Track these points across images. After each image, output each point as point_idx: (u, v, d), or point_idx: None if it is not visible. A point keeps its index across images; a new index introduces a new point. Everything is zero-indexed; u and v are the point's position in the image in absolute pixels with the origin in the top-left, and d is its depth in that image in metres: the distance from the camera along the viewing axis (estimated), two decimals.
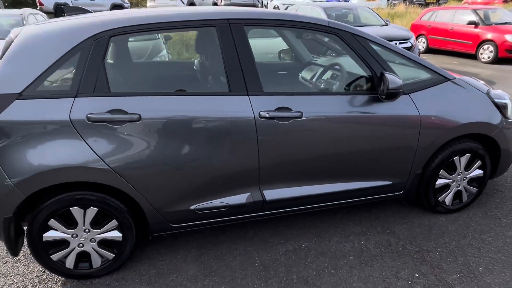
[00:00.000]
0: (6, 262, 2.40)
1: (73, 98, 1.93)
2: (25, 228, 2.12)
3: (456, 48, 10.28)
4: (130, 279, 2.22)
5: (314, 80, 2.96)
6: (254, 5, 15.22)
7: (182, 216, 2.23)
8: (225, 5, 15.24)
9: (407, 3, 18.91)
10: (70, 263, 2.15)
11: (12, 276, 2.27)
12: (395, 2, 19.81)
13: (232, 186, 2.23)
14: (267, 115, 2.13)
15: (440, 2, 18.66)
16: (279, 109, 2.16)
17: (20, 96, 1.88)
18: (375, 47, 2.37)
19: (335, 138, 2.29)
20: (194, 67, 2.47)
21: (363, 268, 2.27)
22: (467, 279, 2.15)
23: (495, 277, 2.16)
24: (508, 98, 2.73)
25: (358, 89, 2.39)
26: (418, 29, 11.49)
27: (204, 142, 2.09)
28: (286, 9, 26.53)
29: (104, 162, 1.96)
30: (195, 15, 2.12)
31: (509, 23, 9.62)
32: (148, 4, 14.85)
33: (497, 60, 9.23)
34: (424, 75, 2.52)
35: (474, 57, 9.82)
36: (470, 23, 9.80)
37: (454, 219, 2.74)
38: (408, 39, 7.47)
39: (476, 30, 9.67)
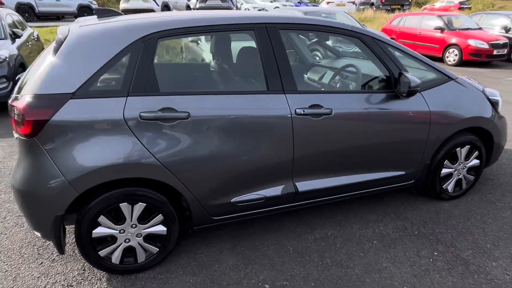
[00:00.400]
0: (42, 263, 2.40)
1: (125, 97, 2.01)
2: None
3: (424, 52, 10.97)
4: (174, 271, 2.31)
5: (324, 80, 3.17)
6: (229, 8, 15.36)
7: (223, 209, 2.34)
8: (200, 8, 15.29)
9: (374, 8, 19.87)
10: (116, 258, 2.21)
11: (53, 276, 2.28)
12: (361, 7, 20.73)
13: (269, 178, 2.38)
14: (302, 112, 2.31)
15: (404, 8, 19.77)
16: (312, 106, 2.34)
17: (73, 95, 1.94)
18: (391, 49, 2.62)
19: (359, 132, 2.51)
20: (234, 68, 2.60)
21: (388, 250, 2.49)
22: (478, 254, 2.44)
23: (502, 251, 2.47)
24: (499, 96, 3.08)
25: (377, 87, 2.62)
26: (388, 34, 12.13)
27: (246, 138, 2.23)
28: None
29: (156, 158, 2.05)
30: (236, 19, 2.26)
31: (470, 29, 10.43)
32: (121, 6, 14.57)
33: (462, 62, 9.98)
34: (431, 75, 2.80)
35: (441, 60, 10.54)
36: (437, 28, 10.53)
37: (456, 204, 3.05)
38: None
39: (442, 35, 10.41)
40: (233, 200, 2.33)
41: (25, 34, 7.10)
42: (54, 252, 2.50)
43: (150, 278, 2.26)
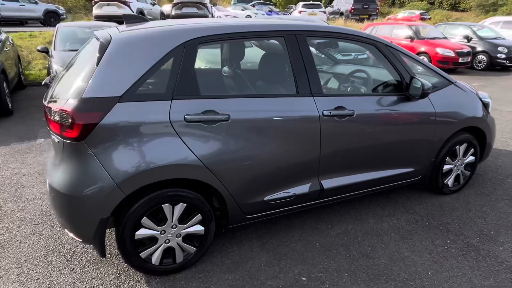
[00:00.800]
0: (73, 269, 2.38)
1: (170, 101, 2.07)
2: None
3: None
4: (210, 270, 2.37)
5: (332, 85, 3.36)
6: (205, 16, 15.43)
7: (256, 208, 2.44)
8: (175, 15, 15.24)
9: (344, 18, 20.68)
10: (156, 259, 2.24)
11: (89, 281, 2.27)
12: (331, 16, 21.50)
13: (298, 177, 2.51)
14: (329, 114, 2.46)
15: (372, 18, 20.74)
16: (337, 108, 2.51)
17: (120, 99, 1.98)
18: (401, 55, 2.85)
19: (376, 132, 2.70)
20: (265, 72, 2.71)
21: (406, 241, 2.69)
22: (486, 240, 2.69)
23: (505, 237, 2.73)
24: (489, 98, 3.40)
25: (390, 91, 2.84)
26: None
27: (279, 138, 2.35)
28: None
29: (199, 159, 2.12)
30: (268, 27, 2.39)
31: (437, 38, 11.17)
32: (94, 12, 14.22)
33: None
34: (434, 79, 3.06)
35: None
36: (407, 37, 11.18)
37: (455, 198, 3.32)
38: (365, 51, 8.34)
39: (412, 43, 11.06)
40: (266, 198, 2.44)
41: (1, 39, 6.83)
42: (83, 258, 2.48)
43: (189, 277, 2.30)
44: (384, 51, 2.77)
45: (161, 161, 2.03)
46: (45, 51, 6.79)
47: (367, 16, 20.57)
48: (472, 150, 3.31)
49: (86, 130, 1.92)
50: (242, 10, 28.73)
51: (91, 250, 2.57)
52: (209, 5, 16.30)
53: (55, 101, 2.07)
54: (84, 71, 2.04)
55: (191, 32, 2.18)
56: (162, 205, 2.14)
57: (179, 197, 2.16)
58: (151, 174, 2.02)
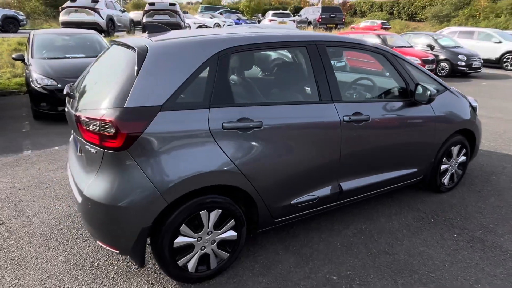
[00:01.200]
0: (102, 282, 2.33)
1: (207, 109, 2.11)
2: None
3: (367, 67, 12.12)
4: (243, 274, 2.41)
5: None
6: (178, 23, 15.33)
7: (284, 211, 2.52)
8: (147, 22, 15.00)
9: (312, 26, 21.34)
10: (192, 267, 2.25)
11: None
12: (299, 25, 22.10)
13: (321, 180, 2.62)
14: (349, 119, 2.60)
15: (338, 27, 21.57)
16: (355, 113, 2.65)
17: (162, 108, 2.00)
18: (405, 64, 3.06)
19: (387, 135, 2.88)
20: (290, 80, 2.80)
21: (418, 236, 2.87)
22: (487, 232, 2.93)
23: (503, 228, 2.99)
24: (476, 102, 3.71)
25: (396, 97, 3.03)
26: None
27: (305, 143, 2.45)
28: (226, 26, 26.80)
29: (235, 165, 2.17)
30: (293, 37, 2.51)
31: (404, 47, 11.84)
32: (61, 18, 13.69)
33: None
34: (432, 85, 3.30)
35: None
36: None
37: (451, 195, 3.58)
38: (342, 60, 8.69)
39: None
40: (293, 201, 2.52)
41: None
42: (109, 270, 2.43)
43: (223, 283, 2.33)
44: (392, 60, 2.96)
45: (202, 169, 2.07)
46: (21, 59, 6.49)
47: (334, 25, 21.38)
48: (464, 151, 3.59)
49: (130, 139, 1.92)
50: (211, 18, 28.81)
51: (116, 262, 2.52)
52: (181, 12, 16.23)
53: (87, 111, 2.05)
54: (118, 80, 2.04)
55: (225, 42, 2.24)
56: (200, 212, 2.16)
57: (215, 204, 2.20)
58: (193, 181, 2.05)
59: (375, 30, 26.57)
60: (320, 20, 21.35)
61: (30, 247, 2.69)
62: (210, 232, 2.25)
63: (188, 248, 2.22)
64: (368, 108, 2.76)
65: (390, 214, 3.20)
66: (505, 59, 14.75)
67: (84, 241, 2.76)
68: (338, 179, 2.72)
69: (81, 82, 2.55)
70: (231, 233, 2.34)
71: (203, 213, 2.17)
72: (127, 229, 2.01)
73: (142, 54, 2.05)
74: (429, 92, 2.85)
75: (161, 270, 2.33)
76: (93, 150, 2.04)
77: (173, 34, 2.38)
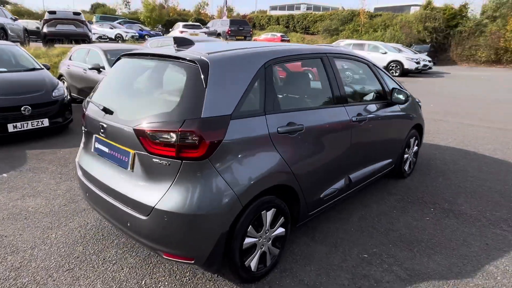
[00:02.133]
0: None
1: (264, 116, 2.29)
2: None
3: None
4: (291, 267, 2.61)
5: None
6: (85, 34, 14.22)
7: (315, 205, 2.80)
8: (49, 32, 13.55)
9: (221, 38, 21.90)
10: (254, 266, 2.37)
11: None
12: (209, 37, 22.50)
13: (340, 173, 2.99)
14: (355, 120, 3.04)
15: (247, 39, 22.58)
16: (358, 114, 3.10)
17: (231, 117, 2.11)
18: (381, 71, 3.64)
19: (377, 131, 3.41)
20: (313, 86, 3.05)
21: (406, 214, 3.45)
22: (451, 203, 3.67)
23: (460, 201, 3.77)
24: (420, 101, 4.56)
25: (379, 99, 3.59)
26: None
27: (330, 142, 2.80)
28: (129, 37, 24.93)
29: (288, 165, 2.39)
30: (313, 50, 2.84)
31: None
32: None
33: None
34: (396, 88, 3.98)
35: None
36: None
37: (411, 180, 4.31)
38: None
39: None
40: (322, 195, 2.82)
41: None
42: (160, 286, 2.38)
43: (279, 277, 2.50)
44: (373, 68, 3.52)
45: (267, 171, 2.23)
46: None
47: (243, 37, 22.35)
48: (416, 142, 4.38)
49: (212, 148, 1.99)
50: (111, 28, 27.23)
51: (162, 278, 2.46)
52: (87, 22, 15.09)
53: (152, 124, 2.04)
54: (186, 93, 2.08)
55: (268, 54, 2.44)
56: (261, 212, 2.31)
57: (271, 203, 2.37)
58: (261, 183, 2.20)
59: (275, 41, 28.50)
60: (229, 32, 22.10)
61: (54, 280, 2.43)
62: (267, 231, 2.41)
63: (251, 249, 2.34)
64: (364, 109, 3.24)
65: (377, 200, 3.74)
66: (390, 67, 17.48)
67: (113, 264, 2.60)
68: (348, 172, 3.12)
69: (108, 97, 2.45)
70: (281, 230, 2.52)
71: (263, 213, 2.32)
72: (208, 236, 2.06)
73: (205, 68, 2.12)
74: (403, 94, 3.47)
75: (221, 275, 2.36)
76: (163, 162, 2.04)
77: (212, 47, 2.47)
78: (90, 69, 7.34)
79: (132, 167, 2.21)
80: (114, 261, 2.65)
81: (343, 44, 18.43)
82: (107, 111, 2.34)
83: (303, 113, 2.58)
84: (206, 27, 23.84)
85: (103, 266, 2.59)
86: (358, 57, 3.40)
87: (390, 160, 3.83)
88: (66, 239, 2.92)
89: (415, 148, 4.39)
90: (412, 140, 4.24)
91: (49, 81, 6.00)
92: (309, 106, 2.74)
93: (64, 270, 2.54)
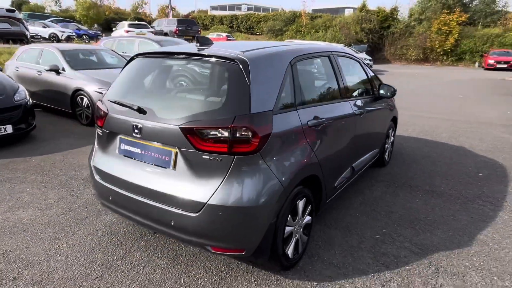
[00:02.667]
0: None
1: (296, 110, 2.43)
2: None
3: None
4: (316, 252, 2.77)
5: None
6: (22, 32, 13.06)
7: (331, 193, 3.00)
8: None
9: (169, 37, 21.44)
10: (291, 254, 2.50)
11: None
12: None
13: (347, 163, 3.23)
14: (357, 113, 3.30)
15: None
16: (359, 108, 3.37)
17: (273, 112, 2.22)
18: (368, 68, 3.96)
19: (370, 123, 3.71)
20: (324, 82, 3.18)
21: (398, 197, 3.80)
22: (431, 185, 4.11)
23: (436, 181, 4.24)
24: None
25: (369, 93, 3.89)
26: None
27: (342, 133, 3.03)
28: (66, 37, 23.20)
29: (316, 157, 2.56)
30: (324, 48, 3.02)
31: None
32: None
33: None
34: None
35: None
36: None
37: (391, 167, 4.72)
38: None
39: None
40: (335, 184, 3.03)
41: None
42: (200, 282, 2.40)
43: (309, 262, 2.65)
44: (363, 66, 3.82)
45: (303, 162, 2.38)
46: None
47: (191, 37, 22.05)
48: (393, 132, 4.81)
49: (263, 142, 2.08)
50: (44, 27, 25.23)
51: (203, 275, 2.49)
52: (24, 21, 13.86)
53: (200, 121, 2.07)
54: (231, 91, 2.15)
55: (293, 53, 2.58)
56: (297, 202, 2.44)
57: (303, 193, 2.51)
58: (300, 174, 2.34)
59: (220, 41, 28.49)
60: (177, 32, 21.65)
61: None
62: (300, 219, 2.54)
63: (289, 237, 2.46)
64: (361, 103, 3.51)
65: (369, 186, 4.06)
66: None
67: (143, 267, 2.56)
68: (352, 161, 3.38)
69: (137, 97, 2.42)
70: (308, 218, 2.68)
71: (297, 202, 2.46)
72: (258, 227, 2.14)
73: (246, 66, 2.19)
74: (392, 89, 3.82)
75: (256, 265, 2.43)
76: (214, 159, 2.08)
77: (235, 45, 2.54)
78: (47, 70, 6.84)
79: (175, 166, 2.21)
80: (143, 264, 2.60)
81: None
82: (141, 111, 2.30)
83: (323, 107, 2.76)
84: (151, 27, 23.12)
85: (133, 270, 2.53)
86: (351, 55, 3.67)
87: (377, 149, 4.17)
88: (81, 248, 2.79)
89: (392, 138, 4.82)
90: (390, 131, 4.64)
91: (8, 84, 5.51)
92: (325, 100, 2.92)
93: (93, 278, 2.44)
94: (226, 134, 2.03)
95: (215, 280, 2.44)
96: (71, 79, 6.66)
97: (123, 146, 2.47)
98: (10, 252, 2.73)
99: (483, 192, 3.97)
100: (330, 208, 3.48)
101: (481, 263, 2.68)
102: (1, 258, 2.64)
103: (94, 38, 24.95)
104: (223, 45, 2.68)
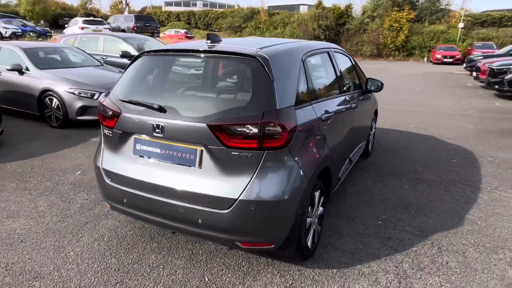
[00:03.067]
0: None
1: (311, 105, 2.51)
2: None
3: None
4: (327, 242, 2.89)
5: None
6: None
7: (335, 183, 3.12)
8: None
9: None
10: (310, 243, 2.59)
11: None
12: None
13: (347, 154, 3.37)
14: (354, 106, 3.45)
15: (154, 36, 21.69)
16: (354, 101, 3.52)
17: (295, 107, 2.28)
18: (357, 65, 4.14)
19: (360, 116, 3.89)
20: (327, 77, 3.24)
21: (388, 185, 4.02)
22: (415, 173, 4.39)
23: (418, 168, 4.54)
24: None
25: (358, 87, 4.06)
26: None
27: (344, 126, 3.18)
28: (11, 34, 21.37)
29: (329, 149, 2.66)
30: (322, 45, 3.13)
31: None
32: None
33: None
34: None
35: None
36: None
37: (375, 157, 4.97)
38: None
39: None
40: (339, 175, 3.16)
41: None
42: (224, 277, 2.42)
43: (324, 251, 2.76)
44: (352, 61, 3.98)
45: (321, 154, 2.47)
46: None
47: (150, 34, 21.40)
48: (374, 125, 5.06)
49: (290, 136, 2.13)
50: None
51: (225, 271, 2.50)
52: None
53: (229, 118, 2.09)
54: (255, 87, 2.18)
55: (303, 49, 2.66)
56: (314, 193, 2.53)
57: (318, 184, 2.61)
58: (319, 165, 2.43)
59: (180, 38, 27.98)
60: (135, 28, 20.89)
61: None
62: (315, 210, 2.64)
63: (309, 228, 2.54)
64: (355, 96, 3.68)
65: (359, 177, 4.26)
66: None
67: (163, 269, 2.52)
68: (349, 153, 3.53)
69: (153, 95, 2.37)
70: (321, 209, 2.78)
71: (315, 193, 2.55)
72: (287, 219, 2.20)
73: (267, 62, 2.22)
74: (379, 83, 4.03)
75: (276, 258, 2.50)
76: (244, 155, 2.10)
77: (251, 42, 2.56)
78: (9, 70, 6.36)
79: (200, 164, 2.20)
80: (161, 266, 2.56)
81: None
82: (161, 110, 2.25)
83: (330, 102, 2.87)
84: (107, 23, 22.08)
85: (153, 273, 2.49)
86: (343, 51, 3.82)
87: (365, 141, 4.38)
88: (90, 255, 2.68)
89: (374, 130, 5.07)
90: (373, 123, 4.89)
91: None
92: (330, 95, 3.02)
93: (113, 284, 2.37)
94: (255, 130, 2.06)
95: (239, 275, 2.46)
96: (37, 79, 6.25)
97: (139, 147, 2.41)
98: (12, 264, 2.56)
99: (461, 177, 4.31)
100: (330, 199, 3.61)
101: (476, 240, 2.94)
102: (4, 272, 2.47)
103: (43, 35, 23.36)
104: (232, 42, 2.70)
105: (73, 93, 6.01)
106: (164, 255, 2.69)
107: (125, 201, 2.49)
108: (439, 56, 24.40)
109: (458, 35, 27.50)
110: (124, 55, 8.13)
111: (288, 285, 2.37)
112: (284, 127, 2.10)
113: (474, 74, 12.93)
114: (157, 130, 2.26)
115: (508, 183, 4.12)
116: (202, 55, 2.45)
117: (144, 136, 2.36)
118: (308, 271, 2.52)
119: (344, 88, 3.38)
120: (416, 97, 10.54)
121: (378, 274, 2.50)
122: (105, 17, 28.62)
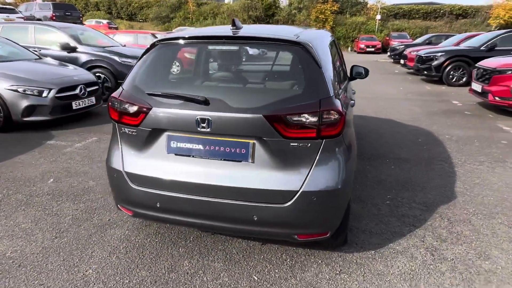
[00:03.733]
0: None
1: (344, 92, 2.52)
2: None
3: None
4: (354, 226, 2.95)
5: None
6: None
7: None
8: None
9: None
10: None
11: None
12: None
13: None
14: (353, 93, 3.54)
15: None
16: (350, 90, 3.62)
17: (338, 94, 2.27)
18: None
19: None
20: (339, 65, 3.18)
21: (376, 168, 4.24)
22: (399, 163, 4.70)
23: (404, 151, 4.86)
24: None
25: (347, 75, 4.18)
26: None
27: (351, 113, 3.23)
28: None
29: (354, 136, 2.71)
30: (328, 33, 3.12)
31: None
32: None
33: None
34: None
35: None
36: None
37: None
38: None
39: None
40: None
41: None
42: (257, 272, 2.35)
43: (352, 235, 2.81)
44: (338, 49, 4.07)
45: (355, 141, 2.49)
46: None
47: (73, 23, 19.36)
48: None
49: (344, 124, 2.11)
50: None
51: (267, 265, 2.41)
52: None
53: (287, 108, 2.00)
54: (307, 75, 2.13)
55: (325, 36, 2.66)
56: None
57: None
58: (356, 152, 2.45)
59: (102, 29, 25.93)
60: (53, 17, 18.74)
61: None
62: None
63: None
64: (348, 86, 3.78)
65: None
66: None
67: (203, 274, 2.35)
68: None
69: (191, 87, 2.16)
70: None
71: None
72: (342, 207, 2.20)
73: (312, 50, 2.16)
74: (365, 69, 4.18)
75: (310, 246, 2.53)
76: (303, 145, 2.03)
77: (281, 30, 2.45)
78: None
79: (253, 158, 2.07)
80: (201, 271, 2.38)
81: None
82: (206, 102, 2.05)
83: (348, 88, 2.90)
84: (18, 11, 19.37)
85: (195, 279, 2.30)
86: (334, 41, 3.89)
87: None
88: (114, 271, 2.38)
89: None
90: None
91: None
92: (342, 82, 3.06)
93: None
94: (314, 119, 2.00)
95: (286, 269, 2.40)
96: None
97: (174, 144, 2.18)
98: (26, 267, 2.16)
99: (433, 154, 4.73)
100: None
101: (474, 209, 3.26)
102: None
103: None
104: (258, 29, 2.56)
105: (16, 91, 5.22)
106: (197, 259, 2.50)
107: (158, 205, 2.24)
108: (362, 46, 26.28)
109: (376, 26, 29.89)
110: (65, 47, 7.28)
111: (338, 272, 2.38)
112: (342, 114, 2.07)
113: (402, 61, 14.20)
114: (202, 125, 2.06)
115: (472, 157, 4.62)
116: (236, 41, 2.29)
117: (181, 133, 2.14)
118: (349, 256, 2.55)
119: (346, 76, 3.45)
120: (359, 85, 11.19)
121: (411, 250, 2.63)
122: (13, 5, 25.17)
